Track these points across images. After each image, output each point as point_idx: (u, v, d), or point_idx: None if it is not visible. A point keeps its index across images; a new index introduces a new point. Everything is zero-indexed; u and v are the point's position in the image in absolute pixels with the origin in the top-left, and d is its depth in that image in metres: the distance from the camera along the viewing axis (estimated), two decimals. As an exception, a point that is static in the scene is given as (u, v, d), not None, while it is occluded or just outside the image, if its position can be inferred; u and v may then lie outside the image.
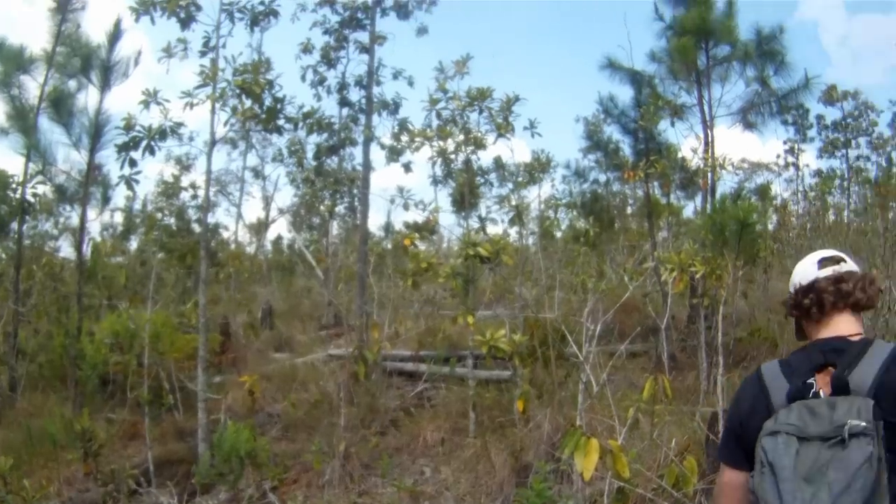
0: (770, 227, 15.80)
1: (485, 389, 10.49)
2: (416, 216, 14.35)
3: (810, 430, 2.03)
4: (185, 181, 15.95)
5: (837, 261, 2.53)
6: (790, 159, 29.14)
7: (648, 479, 6.36)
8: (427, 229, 16.04)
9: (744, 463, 2.34)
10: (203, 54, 10.44)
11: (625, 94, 14.93)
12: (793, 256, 13.08)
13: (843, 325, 2.42)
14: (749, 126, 14.31)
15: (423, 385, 11.81)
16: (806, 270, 2.54)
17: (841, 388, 2.15)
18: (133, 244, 20.04)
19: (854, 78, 79.93)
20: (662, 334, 9.79)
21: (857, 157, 28.89)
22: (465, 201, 13.58)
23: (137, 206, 18.74)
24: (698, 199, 15.88)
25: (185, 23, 10.32)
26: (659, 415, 6.90)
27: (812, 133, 30.08)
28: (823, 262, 2.53)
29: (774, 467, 2.02)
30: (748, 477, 2.22)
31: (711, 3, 13.51)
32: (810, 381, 2.25)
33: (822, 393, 2.20)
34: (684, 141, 22.82)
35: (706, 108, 13.75)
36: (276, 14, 11.37)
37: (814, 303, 2.44)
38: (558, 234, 19.72)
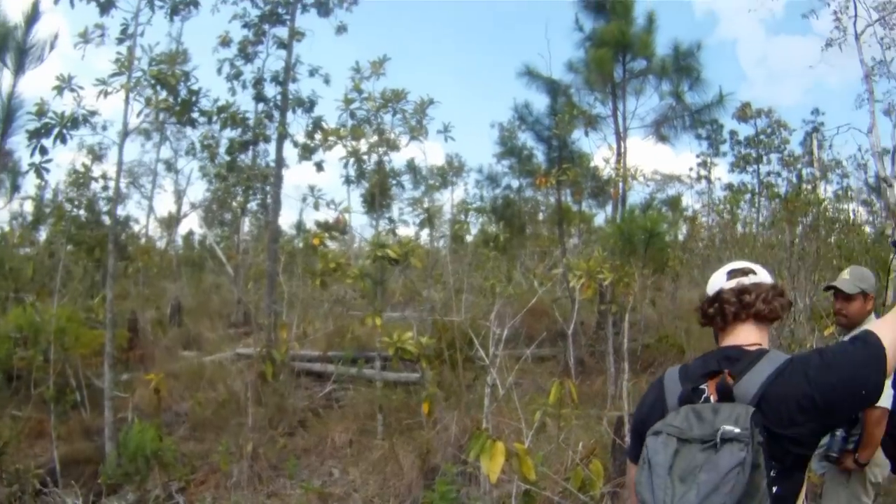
0: (680, 237, 16.20)
1: (392, 391, 10.50)
2: (327, 216, 14.29)
3: (693, 432, 2.09)
4: (96, 171, 15.48)
5: (746, 272, 2.59)
6: (702, 172, 30.10)
7: (555, 482, 6.44)
8: (337, 229, 15.94)
9: None
10: (120, 41, 10.18)
11: (541, 102, 15.20)
12: (700, 267, 13.44)
13: (743, 335, 2.48)
14: (662, 139, 14.66)
15: (331, 386, 11.72)
16: (715, 281, 2.60)
17: (725, 394, 2.22)
18: (42, 235, 19.42)
19: (770, 97, 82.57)
20: (570, 339, 9.92)
21: (768, 173, 30.00)
22: (376, 202, 13.55)
23: (48, 195, 18.17)
24: (609, 207, 16.20)
25: (105, 8, 10.09)
26: (566, 418, 6.99)
27: (725, 148, 31.12)
28: (732, 274, 2.59)
29: (651, 464, 2.09)
30: None
31: (631, 18, 13.80)
32: (702, 386, 2.32)
33: (711, 398, 2.27)
34: (597, 151, 23.20)
35: (620, 119, 14.01)
36: (196, 4, 11.19)
37: (717, 312, 2.51)
38: (469, 238, 19.83)
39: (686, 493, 1.96)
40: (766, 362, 2.25)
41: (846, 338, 4.82)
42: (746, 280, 2.54)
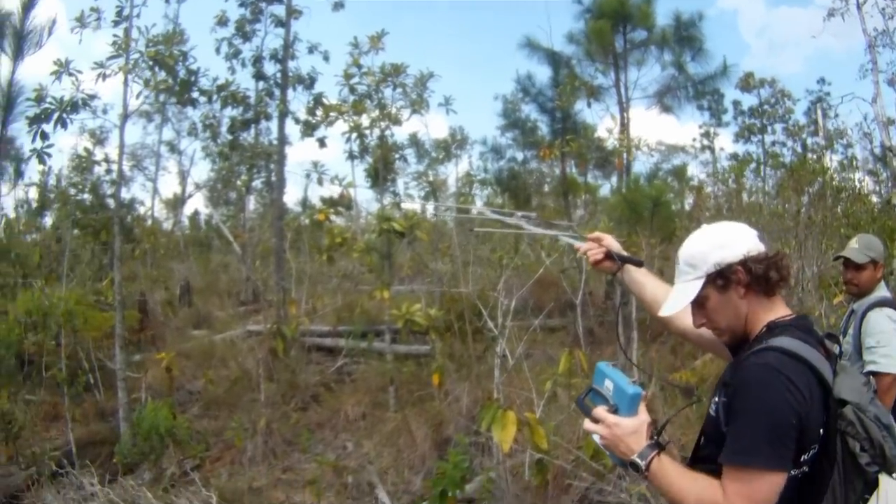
0: (686, 207, 16.19)
1: (403, 364, 10.55)
2: (332, 191, 14.29)
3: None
4: (98, 155, 15.49)
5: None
6: (706, 143, 29.97)
7: (567, 451, 6.50)
8: (342, 204, 15.96)
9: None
10: (116, 24, 10.10)
11: (543, 73, 15.18)
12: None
13: (783, 305, 2.35)
14: (665, 109, 14.67)
15: (342, 360, 11.79)
16: (755, 241, 2.32)
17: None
18: (48, 221, 19.50)
19: (772, 67, 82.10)
20: (578, 310, 9.98)
21: (773, 143, 29.87)
22: (380, 177, 13.57)
23: (52, 181, 18.22)
24: (614, 178, 16.20)
25: (101, -10, 10.04)
26: (577, 388, 7.03)
27: (727, 118, 31.00)
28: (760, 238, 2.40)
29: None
30: None
31: (629, -12, 13.72)
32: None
33: None
34: (601, 122, 23.21)
35: (622, 90, 14.00)
36: (192, -16, 11.12)
37: (781, 278, 2.29)
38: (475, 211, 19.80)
39: None
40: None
41: (855, 305, 4.89)
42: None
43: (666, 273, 13.63)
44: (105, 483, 7.72)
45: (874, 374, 4.42)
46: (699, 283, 2.31)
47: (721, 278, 2.29)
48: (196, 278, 20.57)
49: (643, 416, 2.27)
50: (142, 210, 24.89)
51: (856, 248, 4.86)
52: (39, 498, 7.40)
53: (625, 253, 2.98)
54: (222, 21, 13.94)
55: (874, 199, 13.06)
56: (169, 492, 7.18)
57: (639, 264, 3.00)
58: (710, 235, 2.37)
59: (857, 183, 13.60)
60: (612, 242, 2.97)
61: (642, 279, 2.96)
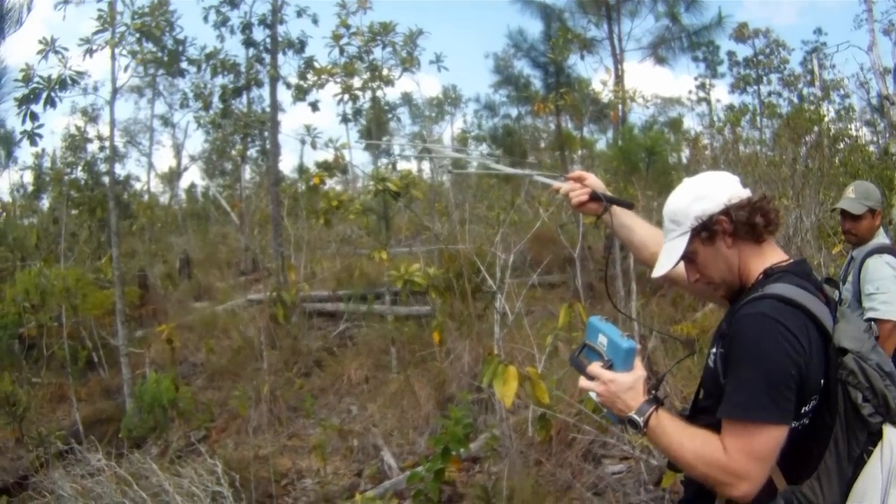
0: (683, 160, 16.13)
1: (404, 325, 10.56)
2: (327, 155, 14.18)
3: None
4: (91, 132, 15.39)
5: None
6: (702, 95, 29.84)
7: (570, 405, 6.51)
8: (337, 167, 15.91)
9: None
10: (100, -1, 10.01)
11: (535, 28, 15.00)
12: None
13: (779, 250, 2.33)
14: (660, 61, 14.52)
15: (343, 324, 11.82)
16: (736, 188, 2.28)
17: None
18: (45, 203, 19.45)
19: (766, 19, 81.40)
20: (577, 264, 9.95)
21: (769, 94, 29.71)
22: (374, 138, 13.47)
23: (47, 163, 18.13)
24: (610, 132, 16.11)
25: (81, -36, 9.87)
26: (577, 342, 7.01)
27: (723, 69, 30.87)
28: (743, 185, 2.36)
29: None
30: None
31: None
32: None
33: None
34: (595, 75, 23.01)
35: (616, 41, 13.85)
36: (174, -47, 10.94)
37: (767, 222, 2.24)
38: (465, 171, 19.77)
39: None
40: None
41: (854, 252, 4.87)
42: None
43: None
44: (112, 458, 7.75)
45: (874, 320, 4.41)
46: (685, 239, 2.27)
47: (705, 230, 2.25)
48: (195, 251, 20.54)
49: (639, 371, 2.23)
50: (138, 186, 24.90)
51: (852, 198, 4.82)
52: (48, 477, 7.42)
53: (610, 193, 2.86)
54: (209, -11, 13.75)
55: (872, 149, 13.00)
56: (175, 463, 7.20)
57: (628, 206, 2.90)
58: (690, 189, 2.33)
59: (853, 132, 13.54)
60: (597, 182, 2.87)
61: (630, 222, 2.90)
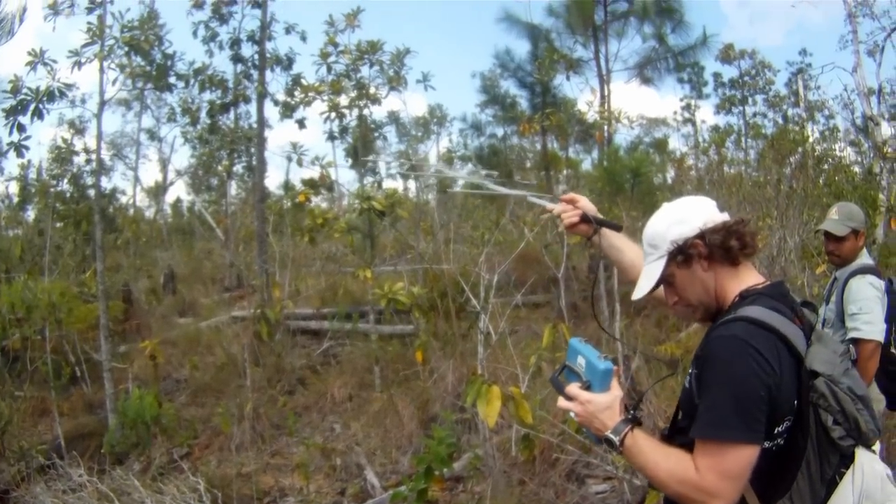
0: (668, 181, 16.20)
1: (388, 344, 10.55)
2: (313, 173, 14.17)
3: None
4: (78, 145, 15.37)
5: None
6: (687, 115, 30.05)
7: (553, 425, 6.52)
8: (323, 185, 15.92)
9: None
10: (90, 11, 9.96)
11: (522, 48, 15.05)
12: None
13: (755, 273, 2.35)
14: (645, 81, 14.64)
15: (327, 342, 11.79)
16: (712, 212, 2.32)
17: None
18: (30, 214, 19.35)
19: (752, 39, 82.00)
20: (561, 284, 9.97)
21: (754, 115, 29.96)
22: (359, 156, 13.49)
23: (32, 174, 18.05)
24: (595, 153, 16.17)
25: (72, -24, 9.88)
26: (561, 362, 7.02)
27: (708, 90, 31.14)
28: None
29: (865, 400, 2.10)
30: None
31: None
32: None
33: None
34: (581, 95, 23.17)
35: (603, 62, 13.95)
36: (166, -32, 10.96)
37: (743, 245, 2.26)
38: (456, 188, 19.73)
39: None
40: None
41: (838, 272, 4.91)
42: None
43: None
44: (94, 474, 7.69)
45: (857, 340, 4.46)
46: (662, 263, 2.32)
47: (681, 254, 2.28)
48: (180, 266, 20.51)
49: (616, 392, 2.25)
50: (124, 199, 24.82)
51: (836, 219, 4.87)
52: (29, 492, 7.36)
53: (601, 216, 2.91)
54: (198, 4, 13.77)
55: (856, 169, 13.09)
56: (157, 480, 7.16)
57: (617, 228, 2.93)
58: (668, 213, 2.37)
59: (838, 153, 13.64)
60: (588, 204, 2.90)
61: (619, 244, 2.92)
